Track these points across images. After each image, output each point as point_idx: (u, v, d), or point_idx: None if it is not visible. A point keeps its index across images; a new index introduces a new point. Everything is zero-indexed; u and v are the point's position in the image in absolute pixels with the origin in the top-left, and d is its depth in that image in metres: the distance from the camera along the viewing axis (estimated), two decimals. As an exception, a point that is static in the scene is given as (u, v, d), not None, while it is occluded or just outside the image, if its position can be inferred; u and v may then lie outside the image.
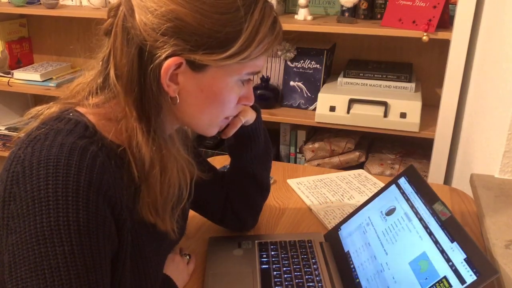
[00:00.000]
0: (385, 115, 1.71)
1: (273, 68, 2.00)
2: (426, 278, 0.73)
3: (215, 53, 0.64)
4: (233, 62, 0.65)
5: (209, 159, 1.01)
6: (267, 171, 1.00)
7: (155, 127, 0.66)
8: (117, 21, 0.65)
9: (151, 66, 0.63)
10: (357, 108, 1.75)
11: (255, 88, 1.96)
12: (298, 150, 2.01)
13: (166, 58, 0.63)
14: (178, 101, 0.67)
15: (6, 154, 2.38)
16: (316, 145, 1.90)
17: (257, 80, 2.01)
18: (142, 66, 0.64)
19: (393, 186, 0.93)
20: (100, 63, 0.69)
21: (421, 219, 0.81)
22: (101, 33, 0.68)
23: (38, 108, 0.69)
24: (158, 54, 0.63)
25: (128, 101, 0.65)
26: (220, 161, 1.39)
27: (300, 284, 0.86)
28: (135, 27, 0.63)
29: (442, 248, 0.74)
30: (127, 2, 0.64)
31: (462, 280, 0.68)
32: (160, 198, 0.68)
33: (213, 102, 0.70)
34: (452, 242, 0.73)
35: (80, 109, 0.68)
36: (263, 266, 0.91)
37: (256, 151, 0.94)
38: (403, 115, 1.70)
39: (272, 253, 0.94)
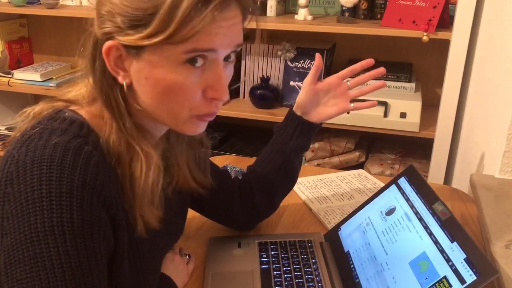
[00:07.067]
0: (385, 115, 1.72)
1: (273, 68, 2.00)
2: (426, 278, 0.73)
3: (137, 33, 0.60)
4: (158, 42, 0.59)
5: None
6: (299, 169, 1.02)
7: (118, 116, 0.65)
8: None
9: (98, 52, 0.64)
10: (357, 108, 1.75)
11: (255, 88, 1.96)
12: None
13: (105, 42, 0.63)
14: (126, 89, 0.65)
15: (6, 154, 2.38)
16: (316, 145, 1.90)
17: (257, 80, 2.01)
18: (93, 54, 0.65)
19: (393, 186, 0.93)
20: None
21: (421, 219, 0.81)
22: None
23: (32, 107, 0.68)
24: (98, 39, 0.63)
25: (98, 93, 0.66)
26: (221, 161, 1.39)
27: (300, 284, 0.86)
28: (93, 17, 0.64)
29: (442, 248, 0.74)
30: None
31: (462, 280, 0.68)
32: (130, 192, 0.66)
33: (164, 91, 0.63)
34: (452, 242, 0.73)
35: (75, 107, 0.68)
36: (263, 266, 0.91)
37: (303, 144, 0.98)
38: (403, 115, 1.70)
39: (272, 253, 0.94)
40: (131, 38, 0.60)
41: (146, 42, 0.60)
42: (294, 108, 0.99)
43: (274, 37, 1.93)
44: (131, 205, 0.67)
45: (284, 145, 0.98)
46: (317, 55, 0.97)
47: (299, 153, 1.00)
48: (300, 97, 0.98)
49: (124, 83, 0.65)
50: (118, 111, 0.65)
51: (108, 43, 0.62)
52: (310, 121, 0.98)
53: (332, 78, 0.99)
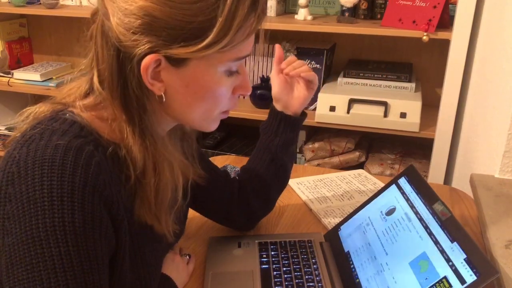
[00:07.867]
0: (385, 115, 1.71)
1: (273, 68, 2.00)
2: (426, 278, 0.73)
3: (191, 45, 0.60)
4: (212, 52, 0.62)
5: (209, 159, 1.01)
6: (291, 163, 1.02)
7: (143, 128, 0.65)
8: (97, 26, 0.64)
9: (130, 66, 0.62)
10: (357, 108, 1.75)
11: (255, 88, 1.96)
12: (298, 150, 2.01)
13: (143, 56, 0.61)
14: (164, 99, 0.65)
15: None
16: (316, 145, 1.90)
17: (257, 80, 2.01)
18: (121, 68, 0.63)
19: (393, 186, 0.93)
20: (87, 69, 0.68)
21: (421, 219, 0.81)
22: (87, 38, 0.67)
23: (32, 108, 0.68)
24: (134, 54, 0.61)
25: (114, 104, 0.64)
26: (221, 161, 1.39)
27: (300, 284, 0.86)
28: (111, 29, 0.62)
29: (442, 248, 0.74)
30: (101, 5, 0.63)
31: (462, 280, 0.68)
32: (154, 200, 0.68)
33: (203, 97, 0.67)
34: (452, 242, 0.73)
35: (74, 109, 0.67)
36: (263, 266, 0.91)
37: (290, 139, 0.98)
38: (403, 115, 1.70)
39: (272, 253, 0.94)
40: (182, 51, 0.61)
41: (201, 54, 0.61)
42: (274, 103, 1.00)
43: (274, 37, 1.93)
44: (156, 214, 0.68)
45: (270, 143, 0.98)
46: (277, 47, 0.98)
47: (286, 149, 0.99)
48: (273, 91, 0.99)
49: (162, 94, 0.65)
50: (144, 123, 0.65)
51: (150, 57, 0.61)
52: (292, 115, 0.98)
53: (290, 61, 0.99)
